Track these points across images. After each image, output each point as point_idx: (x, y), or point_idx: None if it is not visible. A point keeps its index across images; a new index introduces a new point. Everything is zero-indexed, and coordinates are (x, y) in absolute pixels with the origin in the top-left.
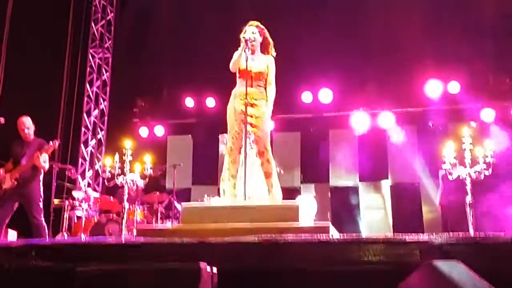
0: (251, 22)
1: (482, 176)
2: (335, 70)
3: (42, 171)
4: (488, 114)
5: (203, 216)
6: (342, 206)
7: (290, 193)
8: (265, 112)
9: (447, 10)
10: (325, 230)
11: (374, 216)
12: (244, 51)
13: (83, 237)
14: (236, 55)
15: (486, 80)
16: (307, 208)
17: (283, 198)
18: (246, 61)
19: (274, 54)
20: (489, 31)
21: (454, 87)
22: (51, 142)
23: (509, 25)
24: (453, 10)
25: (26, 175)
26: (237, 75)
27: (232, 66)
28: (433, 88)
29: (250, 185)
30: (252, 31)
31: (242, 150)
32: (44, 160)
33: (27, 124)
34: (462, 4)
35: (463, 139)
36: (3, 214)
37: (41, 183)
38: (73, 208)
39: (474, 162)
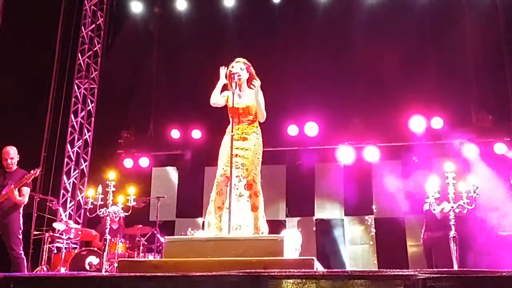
0: (237, 59)
1: (465, 211)
2: (321, 104)
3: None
4: (470, 150)
5: (186, 250)
6: (327, 240)
7: (275, 226)
8: (256, 145)
9: (431, 48)
10: (310, 264)
11: (359, 250)
12: (231, 86)
13: (63, 270)
14: (217, 86)
15: (469, 116)
16: (292, 241)
17: (268, 232)
18: (233, 97)
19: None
20: (472, 69)
21: (438, 122)
22: (32, 170)
23: (491, 64)
24: (437, 48)
25: (6, 205)
26: (228, 112)
27: (212, 100)
28: (417, 124)
29: (236, 217)
30: (239, 67)
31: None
32: (24, 193)
33: (11, 155)
34: (446, 43)
35: (447, 174)
36: None
37: (21, 215)
38: (53, 240)
39: (457, 197)
